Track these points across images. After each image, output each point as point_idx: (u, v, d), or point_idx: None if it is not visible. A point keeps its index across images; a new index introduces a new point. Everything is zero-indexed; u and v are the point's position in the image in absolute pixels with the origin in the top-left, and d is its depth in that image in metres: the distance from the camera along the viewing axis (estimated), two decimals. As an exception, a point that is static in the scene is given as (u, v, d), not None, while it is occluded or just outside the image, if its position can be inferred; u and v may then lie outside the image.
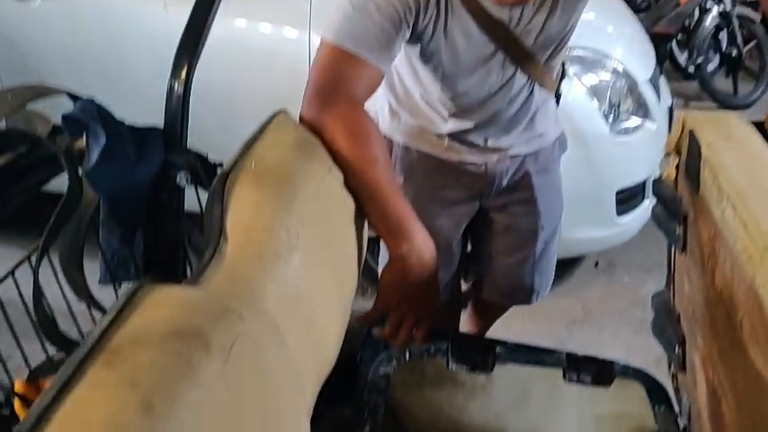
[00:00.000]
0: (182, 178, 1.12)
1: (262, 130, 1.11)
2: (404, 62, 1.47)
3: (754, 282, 0.83)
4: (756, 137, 1.11)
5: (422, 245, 1.20)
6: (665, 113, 2.81)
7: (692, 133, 1.14)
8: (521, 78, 1.44)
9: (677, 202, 1.23)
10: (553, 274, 1.86)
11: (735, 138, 1.08)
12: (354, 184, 1.16)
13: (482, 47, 1.35)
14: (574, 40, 1.56)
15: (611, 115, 2.55)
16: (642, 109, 2.66)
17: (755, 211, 0.88)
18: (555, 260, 1.85)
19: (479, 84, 1.42)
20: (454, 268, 1.75)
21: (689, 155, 1.16)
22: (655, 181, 1.31)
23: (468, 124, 1.50)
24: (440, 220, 1.57)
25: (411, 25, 1.29)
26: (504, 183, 1.61)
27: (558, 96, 1.64)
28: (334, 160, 1.16)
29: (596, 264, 3.01)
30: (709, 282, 1.07)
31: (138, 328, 0.67)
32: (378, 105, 1.57)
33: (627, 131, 2.57)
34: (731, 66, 4.84)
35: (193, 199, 1.18)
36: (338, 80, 1.21)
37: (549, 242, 1.76)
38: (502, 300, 1.88)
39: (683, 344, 1.28)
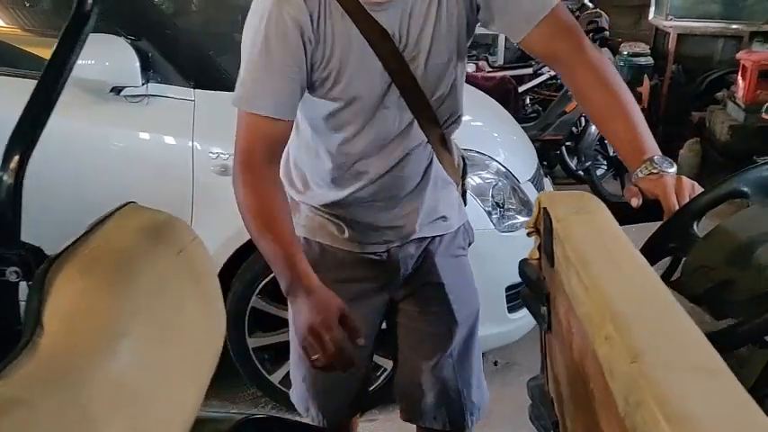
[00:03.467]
0: (11, 273, 1.04)
1: (103, 219, 1.06)
2: (302, 149, 1.48)
3: (594, 345, 0.80)
4: (605, 210, 1.13)
5: (325, 293, 1.24)
6: (550, 212, 2.90)
7: (545, 210, 1.15)
8: (420, 152, 1.45)
9: (540, 282, 1.22)
10: (486, 391, 1.76)
11: (585, 210, 1.09)
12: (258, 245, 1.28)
13: (374, 73, 1.34)
14: (461, 142, 1.58)
15: (496, 213, 2.60)
16: (526, 207, 2.73)
17: (598, 275, 0.87)
18: (480, 370, 1.73)
19: (381, 158, 1.43)
20: (362, 371, 1.64)
21: (545, 232, 1.16)
22: (520, 262, 1.30)
23: (368, 211, 1.50)
24: None
25: (306, 63, 1.31)
26: (410, 268, 1.58)
27: (463, 193, 1.65)
28: (244, 221, 1.28)
29: (495, 363, 2.99)
30: (569, 357, 1.04)
31: None
32: None
33: (512, 228, 2.61)
34: (618, 169, 5.08)
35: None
36: (252, 145, 1.31)
37: (468, 344, 1.67)
38: (434, 423, 1.69)
39: (556, 428, 1.24)
